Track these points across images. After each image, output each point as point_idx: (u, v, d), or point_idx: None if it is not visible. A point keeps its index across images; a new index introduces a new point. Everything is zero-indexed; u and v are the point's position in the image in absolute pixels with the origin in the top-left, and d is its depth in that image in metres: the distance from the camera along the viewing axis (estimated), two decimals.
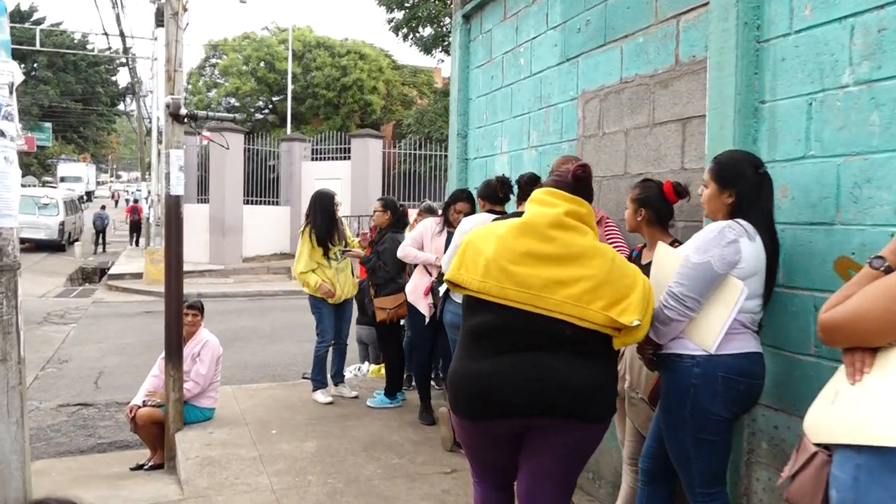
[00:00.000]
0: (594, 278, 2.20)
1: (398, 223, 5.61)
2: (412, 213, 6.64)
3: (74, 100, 46.73)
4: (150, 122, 18.99)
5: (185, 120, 4.61)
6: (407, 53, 39.27)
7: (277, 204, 20.69)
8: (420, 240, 5.01)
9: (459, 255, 2.37)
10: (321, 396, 5.73)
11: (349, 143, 19.87)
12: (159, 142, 18.76)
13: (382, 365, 6.55)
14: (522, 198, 3.94)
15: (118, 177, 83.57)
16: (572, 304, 2.19)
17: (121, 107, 49.08)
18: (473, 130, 5.38)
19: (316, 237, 5.64)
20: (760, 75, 2.58)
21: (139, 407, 4.92)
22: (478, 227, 2.74)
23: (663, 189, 2.83)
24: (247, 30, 35.15)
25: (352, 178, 19.25)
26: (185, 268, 13.66)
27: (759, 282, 2.37)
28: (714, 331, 2.35)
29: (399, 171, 20.56)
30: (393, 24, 24.50)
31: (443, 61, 40.22)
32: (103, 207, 27.64)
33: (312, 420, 5.20)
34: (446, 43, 24.72)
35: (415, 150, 20.24)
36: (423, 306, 4.98)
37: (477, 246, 2.33)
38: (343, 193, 19.35)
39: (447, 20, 24.32)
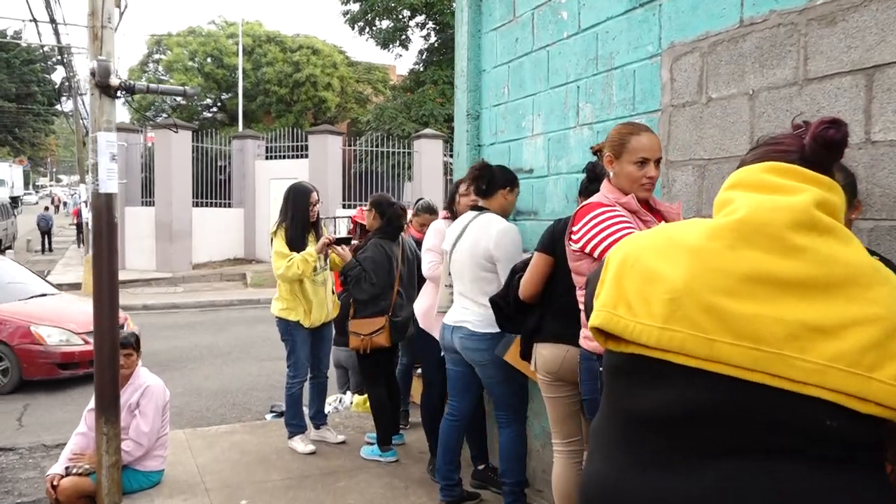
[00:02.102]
0: (880, 322, 1.16)
1: (389, 228, 4.51)
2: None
3: (8, 99, 44.24)
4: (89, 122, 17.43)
5: (119, 93, 3.44)
6: (361, 50, 38.09)
7: (229, 206, 19.32)
8: (441, 248, 3.97)
9: (612, 283, 1.29)
10: (300, 445, 4.61)
11: (306, 141, 18.64)
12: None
13: (364, 397, 5.46)
14: (591, 194, 2.91)
15: (58, 180, 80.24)
16: (845, 372, 1.14)
17: (59, 107, 46.70)
18: (489, 109, 4.31)
19: (287, 238, 4.56)
20: None
21: (62, 476, 3.71)
22: (640, 232, 1.65)
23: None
24: (192, 24, 33.59)
25: (310, 177, 17.92)
26: (129, 276, 12.24)
27: None
28: None
29: (358, 170, 19.41)
30: (349, 16, 23.39)
31: (401, 55, 39.62)
32: (47, 209, 26.49)
33: (292, 480, 4.06)
34: (403, 37, 23.71)
35: (376, 147, 19.10)
36: (438, 332, 3.90)
37: (646, 265, 1.26)
38: None
39: (405, 13, 23.32)
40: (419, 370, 5.41)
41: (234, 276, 17.12)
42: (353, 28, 23.53)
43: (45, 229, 24.75)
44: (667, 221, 2.43)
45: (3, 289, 8.67)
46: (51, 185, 72.79)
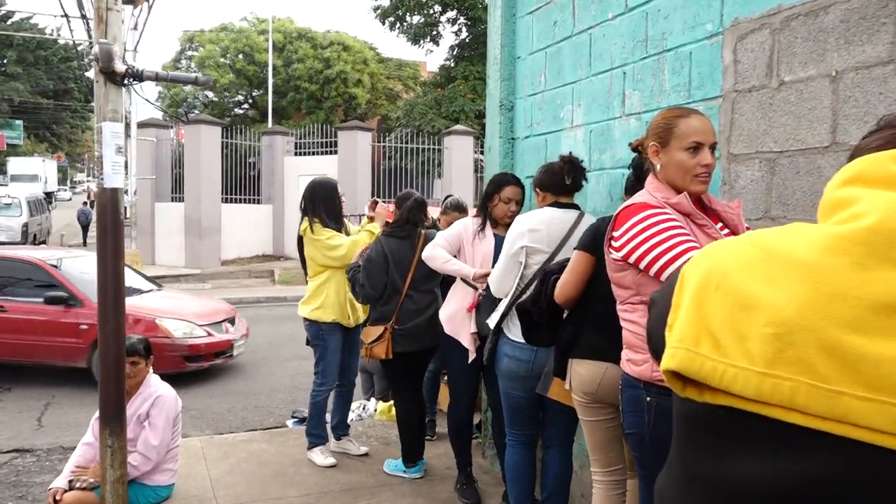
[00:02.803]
0: None
1: (398, 224, 4.11)
2: (433, 212, 5.22)
3: (46, 96, 44.91)
4: (129, 118, 17.44)
5: (126, 80, 3.19)
6: (391, 46, 38.02)
7: (258, 202, 19.20)
8: (457, 242, 3.63)
9: (690, 311, 0.97)
10: (319, 457, 4.34)
11: (335, 137, 18.44)
12: (127, 135, 17.20)
13: (390, 403, 5.17)
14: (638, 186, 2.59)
15: (96, 176, 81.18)
16: None
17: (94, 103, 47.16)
18: (524, 99, 3.99)
19: (324, 225, 4.32)
20: None
21: (65, 490, 3.47)
22: (715, 245, 1.27)
23: None
24: (224, 20, 33.65)
25: (339, 173, 17.76)
26: (158, 272, 12.12)
27: None
28: None
29: (387, 168, 19.15)
30: (379, 11, 23.18)
31: (431, 51, 39.22)
32: (85, 203, 27.47)
33: (310, 498, 3.79)
34: (434, 32, 23.41)
35: (405, 143, 18.83)
36: (466, 338, 3.59)
37: (737, 287, 0.93)
38: None
39: (436, 7, 23.02)
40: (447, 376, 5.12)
41: (262, 273, 16.99)
42: (383, 23, 23.31)
43: (85, 223, 25.44)
44: (724, 223, 2.09)
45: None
46: (88, 181, 73.88)
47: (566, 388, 2.65)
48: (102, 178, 3.24)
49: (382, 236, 4.08)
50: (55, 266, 8.08)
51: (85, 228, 25.69)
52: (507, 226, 3.64)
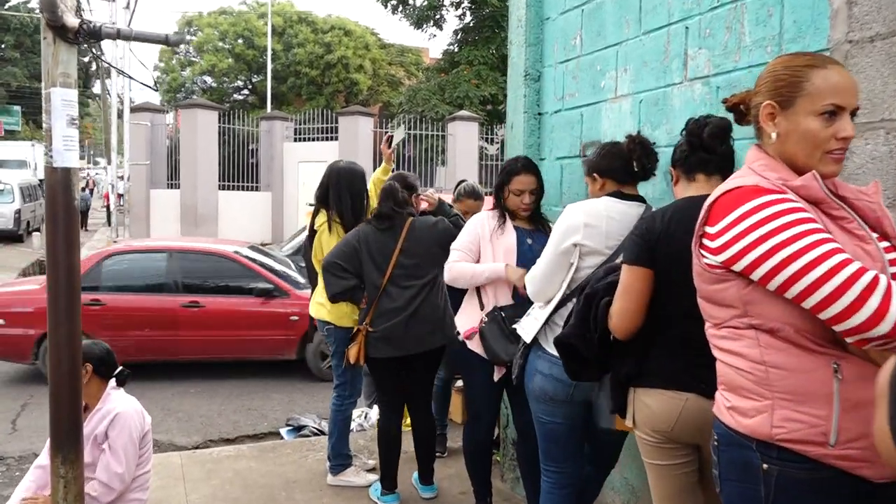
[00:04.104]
0: None
1: (377, 211, 3.51)
2: (445, 199, 4.63)
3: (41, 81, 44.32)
4: (122, 103, 16.85)
5: (78, 36, 2.62)
6: (393, 32, 37.14)
7: (257, 189, 18.65)
8: (475, 245, 3.07)
9: None
10: (357, 477, 3.85)
11: (336, 122, 17.87)
12: (119, 117, 16.63)
13: None
14: (697, 168, 2.04)
15: (95, 163, 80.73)
16: None
17: (92, 89, 46.62)
18: (553, 67, 3.41)
19: (346, 231, 3.69)
20: None
21: None
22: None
23: None
24: (223, 4, 32.97)
25: (340, 160, 17.19)
26: None
27: None
28: None
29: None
30: None
31: (434, 36, 38.53)
32: (83, 189, 27.19)
33: None
34: (437, 16, 22.73)
35: (408, 129, 18.22)
36: (480, 346, 3.02)
37: None
38: None
39: None
40: (458, 382, 4.57)
41: None
42: (385, 6, 22.63)
43: (83, 209, 25.59)
44: (858, 213, 1.53)
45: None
46: (87, 168, 73.46)
47: (628, 424, 2.08)
48: (51, 155, 2.68)
49: (366, 224, 3.53)
50: (250, 258, 7.69)
51: (83, 214, 25.81)
52: (531, 218, 3.11)
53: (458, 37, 22.73)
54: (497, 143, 19.71)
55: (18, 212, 21.17)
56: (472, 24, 22.26)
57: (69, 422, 2.78)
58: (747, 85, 2.23)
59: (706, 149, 2.02)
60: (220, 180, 17.28)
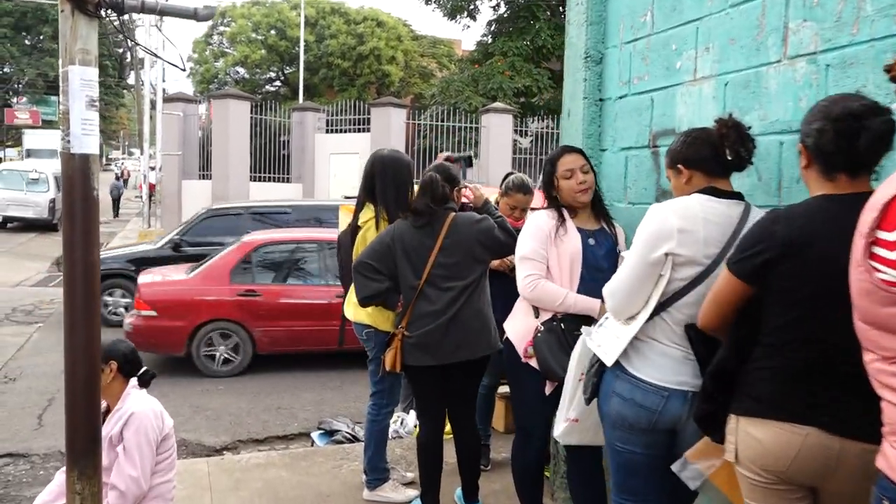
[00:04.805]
0: None
1: (420, 215, 3.17)
2: (489, 193, 4.30)
3: None
4: (155, 93, 16.79)
5: (98, 8, 2.37)
6: (425, 23, 36.97)
7: (288, 181, 18.49)
8: (546, 252, 2.75)
9: None
10: (395, 493, 3.56)
11: (368, 114, 17.63)
12: (152, 107, 16.56)
13: None
14: (842, 167, 1.66)
15: (130, 153, 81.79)
16: None
17: (129, 80, 47.04)
18: (618, 48, 3.09)
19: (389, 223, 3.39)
20: None
21: None
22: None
23: None
24: None
25: (371, 152, 16.93)
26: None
27: None
28: None
29: (420, 146, 18.28)
30: None
31: (468, 27, 38.05)
32: (118, 178, 28.96)
33: None
34: (472, 7, 22.35)
35: (441, 121, 17.90)
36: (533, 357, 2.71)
37: None
38: (361, 170, 17.03)
39: None
40: (502, 388, 4.26)
41: None
42: None
43: (116, 197, 26.93)
44: None
45: None
46: (123, 158, 74.42)
47: (729, 458, 1.76)
48: (69, 140, 2.43)
49: (398, 220, 3.23)
50: None
51: (116, 202, 27.00)
52: (592, 212, 2.79)
53: (493, 28, 22.36)
54: (531, 136, 19.32)
55: (53, 201, 21.35)
56: (506, 15, 21.88)
57: (86, 434, 2.54)
58: (867, 62, 1.89)
59: (859, 155, 1.64)
60: (251, 171, 17.14)
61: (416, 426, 4.64)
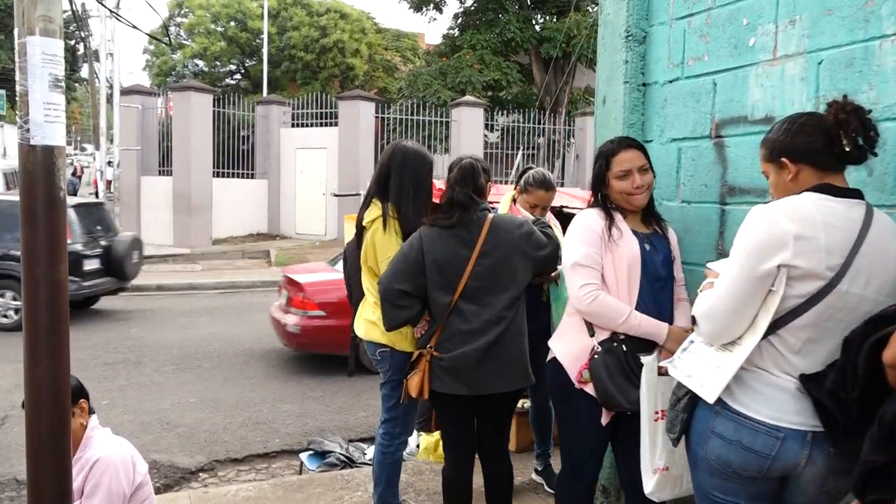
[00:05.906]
0: None
1: (450, 208, 2.73)
2: (505, 192, 3.87)
3: None
4: (111, 87, 15.95)
5: None
6: (389, 16, 36.25)
7: (252, 177, 17.87)
8: (600, 259, 2.36)
9: None
10: None
11: (335, 107, 17.10)
12: (108, 101, 15.75)
13: (438, 435, 3.94)
14: None
15: (82, 149, 79.48)
16: None
17: (80, 73, 45.43)
18: (668, 25, 2.71)
19: (404, 230, 2.92)
20: None
21: None
22: None
23: None
24: None
25: (339, 147, 16.46)
26: (145, 251, 11.00)
27: None
28: None
29: (389, 141, 17.82)
30: None
31: (435, 19, 37.55)
32: (73, 174, 27.12)
33: None
34: None
35: (411, 115, 17.46)
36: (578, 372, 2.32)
37: None
38: (329, 166, 16.65)
39: None
40: (521, 403, 3.87)
41: (256, 254, 15.71)
42: None
43: (71, 193, 25.78)
44: None
45: None
46: (75, 154, 72.27)
47: None
48: (28, 129, 1.96)
49: (428, 227, 2.76)
50: None
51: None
52: (644, 215, 2.43)
53: (459, 21, 21.98)
54: (498, 130, 18.99)
55: None
56: (473, 8, 21.51)
57: (55, 489, 2.07)
58: None
59: None
60: (214, 167, 16.48)
61: (418, 446, 4.23)
